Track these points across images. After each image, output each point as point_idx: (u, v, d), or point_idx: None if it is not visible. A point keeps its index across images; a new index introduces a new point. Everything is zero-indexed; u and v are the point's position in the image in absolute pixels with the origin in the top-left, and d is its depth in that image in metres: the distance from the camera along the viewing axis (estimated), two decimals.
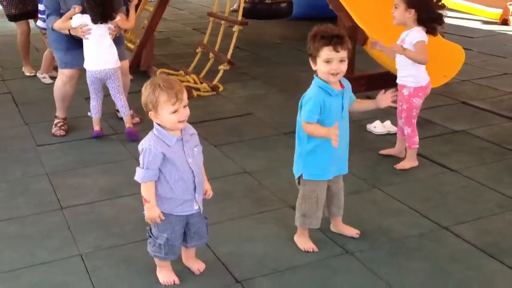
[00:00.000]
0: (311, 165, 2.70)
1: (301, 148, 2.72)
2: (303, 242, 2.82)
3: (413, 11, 3.50)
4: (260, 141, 4.27)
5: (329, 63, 2.55)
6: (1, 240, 2.94)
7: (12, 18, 5.96)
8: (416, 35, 3.55)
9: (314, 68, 2.64)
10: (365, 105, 2.92)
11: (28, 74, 6.17)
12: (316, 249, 2.79)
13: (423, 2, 3.53)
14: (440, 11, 3.61)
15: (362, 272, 2.63)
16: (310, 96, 2.63)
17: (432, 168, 3.75)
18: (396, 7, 3.56)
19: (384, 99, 2.84)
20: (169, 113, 2.28)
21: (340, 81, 2.67)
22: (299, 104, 2.68)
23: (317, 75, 2.66)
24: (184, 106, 2.31)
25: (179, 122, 2.31)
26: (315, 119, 2.60)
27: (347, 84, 2.72)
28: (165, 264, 2.55)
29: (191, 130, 2.45)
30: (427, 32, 3.58)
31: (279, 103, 5.08)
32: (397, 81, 3.72)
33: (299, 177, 2.76)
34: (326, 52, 2.54)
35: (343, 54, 2.56)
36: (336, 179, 2.82)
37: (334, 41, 2.54)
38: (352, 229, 2.93)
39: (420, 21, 3.54)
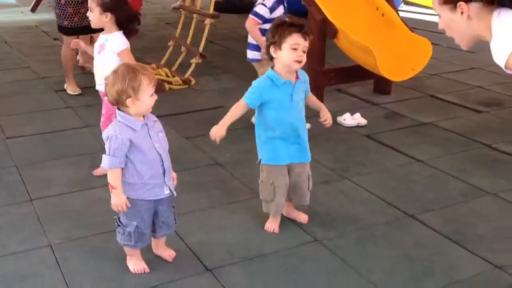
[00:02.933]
0: (266, 151, 2.83)
1: (258, 137, 2.86)
2: (269, 222, 2.93)
3: (109, 14, 3.30)
4: (231, 133, 4.21)
5: (296, 50, 2.63)
6: None
7: (63, 30, 5.03)
8: (117, 42, 3.33)
9: (275, 55, 2.69)
10: (314, 105, 2.93)
11: (72, 93, 5.21)
12: (276, 231, 2.89)
13: (119, 5, 3.34)
14: (136, 13, 3.46)
15: (331, 260, 2.69)
16: (255, 82, 2.78)
17: (399, 158, 3.83)
18: (91, 11, 3.35)
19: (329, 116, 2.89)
20: (149, 96, 2.34)
21: (297, 73, 2.74)
22: None
23: (272, 68, 2.73)
24: None
25: (152, 105, 2.39)
26: (249, 100, 2.74)
27: (304, 77, 2.80)
28: (135, 253, 2.57)
29: (153, 117, 2.50)
30: (128, 35, 3.39)
31: None
32: (97, 87, 3.46)
33: (259, 162, 2.88)
34: (295, 38, 2.63)
35: (307, 44, 2.67)
36: (297, 168, 2.85)
37: (304, 29, 2.65)
38: (302, 214, 3.00)
39: (119, 24, 3.35)
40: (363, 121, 4.43)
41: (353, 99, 5.08)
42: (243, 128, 4.35)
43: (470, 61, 6.38)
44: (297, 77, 2.75)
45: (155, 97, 2.38)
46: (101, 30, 3.76)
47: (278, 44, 2.66)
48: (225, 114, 2.92)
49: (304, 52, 2.65)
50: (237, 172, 3.60)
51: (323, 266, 2.63)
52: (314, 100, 2.91)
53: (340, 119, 4.46)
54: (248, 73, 5.92)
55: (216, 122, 4.49)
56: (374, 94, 5.17)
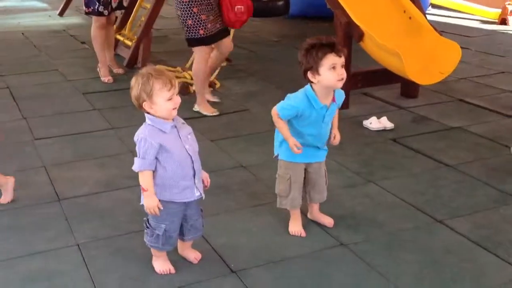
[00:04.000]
0: (285, 148, 2.78)
1: (277, 134, 2.83)
2: (292, 225, 2.88)
3: None
4: (256, 136, 4.29)
5: (335, 68, 2.56)
6: None
7: (200, 42, 4.53)
8: None
9: (315, 80, 2.61)
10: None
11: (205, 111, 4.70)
12: (303, 234, 2.85)
13: None
14: None
15: (356, 264, 2.65)
16: (294, 98, 2.68)
17: (427, 163, 3.77)
18: None
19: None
20: (165, 100, 2.31)
21: (334, 94, 2.70)
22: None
23: (310, 86, 2.66)
24: (176, 94, 2.35)
25: (173, 109, 2.35)
26: (285, 116, 2.68)
27: (340, 99, 2.74)
28: (161, 254, 2.57)
29: (181, 119, 2.48)
30: None
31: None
32: None
33: (277, 156, 2.85)
34: (331, 58, 2.55)
35: (343, 60, 2.60)
36: (315, 165, 2.83)
37: (337, 47, 2.57)
38: (327, 218, 2.97)
39: None
40: (390, 125, 4.38)
41: (379, 102, 5.03)
42: (268, 131, 4.35)
43: (500, 65, 6.28)
44: (333, 99, 2.69)
45: (176, 100, 2.34)
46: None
47: (314, 69, 2.57)
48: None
49: (342, 67, 2.58)
50: (261, 175, 3.59)
51: (349, 271, 2.60)
52: (335, 115, 2.85)
53: (366, 122, 4.42)
54: (272, 76, 5.94)
55: (241, 125, 4.54)
56: (401, 98, 5.12)
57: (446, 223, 2.99)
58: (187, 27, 4.49)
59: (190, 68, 5.81)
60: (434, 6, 9.69)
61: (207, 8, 4.48)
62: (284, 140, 2.78)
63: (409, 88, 5.07)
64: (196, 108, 4.70)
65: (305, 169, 2.83)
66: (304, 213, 2.97)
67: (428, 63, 4.56)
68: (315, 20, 8.54)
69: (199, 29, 4.46)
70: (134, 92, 2.33)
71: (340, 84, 2.61)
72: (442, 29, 5.85)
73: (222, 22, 4.58)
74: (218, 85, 5.53)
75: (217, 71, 5.58)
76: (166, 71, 2.39)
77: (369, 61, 4.88)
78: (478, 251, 2.75)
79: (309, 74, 2.61)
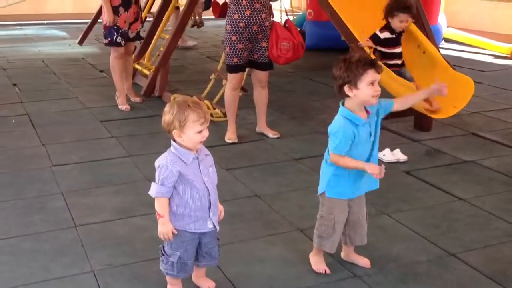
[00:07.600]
0: (333, 184, 2.73)
1: (327, 169, 2.75)
2: (316, 262, 2.84)
3: None
4: (271, 166, 4.33)
5: (373, 85, 2.59)
6: (16, 256, 3.00)
7: (232, 69, 4.71)
8: None
9: (351, 94, 2.60)
10: (407, 101, 2.94)
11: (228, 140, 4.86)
12: (328, 271, 2.81)
13: None
14: None
15: None
16: (338, 128, 2.63)
17: (441, 196, 3.79)
18: None
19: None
20: (195, 133, 2.37)
21: (365, 107, 2.69)
22: (328, 131, 2.71)
23: (343, 104, 2.66)
24: (207, 128, 2.41)
25: (200, 142, 2.41)
26: (344, 151, 2.63)
27: (372, 109, 2.71)
28: (176, 282, 2.60)
29: (206, 151, 2.53)
30: None
31: (290, 129, 5.15)
32: None
33: (321, 194, 2.78)
34: (371, 74, 2.58)
35: (380, 76, 2.64)
36: (359, 203, 2.81)
37: (377, 64, 2.62)
38: (364, 259, 2.92)
39: None
40: (403, 157, 4.41)
41: (392, 135, 5.07)
42: (284, 161, 4.41)
43: None
44: (367, 112, 2.69)
45: (205, 133, 2.40)
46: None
47: (353, 83, 2.58)
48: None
49: (379, 84, 2.62)
50: (276, 205, 3.62)
51: None
52: (404, 98, 2.89)
53: (379, 154, 4.43)
54: (286, 107, 6.01)
55: (256, 154, 4.59)
56: (414, 131, 5.15)
57: (459, 257, 3.00)
58: (226, 54, 4.70)
59: (206, 98, 5.93)
60: (447, 40, 9.77)
61: (247, 37, 4.60)
62: (333, 175, 2.71)
63: (422, 121, 5.11)
64: (227, 140, 4.83)
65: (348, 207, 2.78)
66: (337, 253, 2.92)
67: (442, 97, 4.58)
68: (330, 52, 8.64)
69: (233, 57, 4.64)
70: (167, 118, 2.39)
71: (374, 100, 2.63)
72: (455, 64, 5.90)
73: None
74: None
75: (217, 97, 5.68)
76: (203, 104, 2.43)
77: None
78: (491, 286, 2.75)
79: (346, 88, 2.60)
